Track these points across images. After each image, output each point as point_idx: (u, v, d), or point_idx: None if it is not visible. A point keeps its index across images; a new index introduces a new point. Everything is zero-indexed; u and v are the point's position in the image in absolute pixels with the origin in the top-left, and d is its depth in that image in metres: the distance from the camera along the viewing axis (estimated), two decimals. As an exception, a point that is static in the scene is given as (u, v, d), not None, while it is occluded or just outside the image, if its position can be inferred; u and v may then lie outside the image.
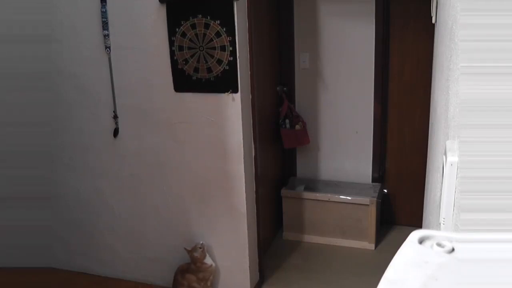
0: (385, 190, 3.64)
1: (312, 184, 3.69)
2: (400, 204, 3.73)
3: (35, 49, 2.82)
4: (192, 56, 2.57)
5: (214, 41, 2.51)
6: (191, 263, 2.77)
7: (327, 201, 3.46)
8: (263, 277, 3.10)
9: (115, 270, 3.15)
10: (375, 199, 3.38)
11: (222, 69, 2.54)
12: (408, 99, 3.53)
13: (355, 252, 3.45)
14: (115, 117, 2.82)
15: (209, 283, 2.80)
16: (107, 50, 2.71)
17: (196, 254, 2.73)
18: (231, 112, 2.61)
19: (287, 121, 3.54)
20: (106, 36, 2.69)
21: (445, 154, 0.81)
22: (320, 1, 3.49)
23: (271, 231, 3.61)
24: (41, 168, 3.00)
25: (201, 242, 2.78)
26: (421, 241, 0.55)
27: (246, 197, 2.74)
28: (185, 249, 2.76)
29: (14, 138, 2.90)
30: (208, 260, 2.78)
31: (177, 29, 2.55)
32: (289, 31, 3.59)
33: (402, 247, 0.55)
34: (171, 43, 2.59)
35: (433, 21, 1.94)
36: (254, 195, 2.87)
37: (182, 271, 2.79)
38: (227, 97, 2.58)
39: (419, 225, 2.01)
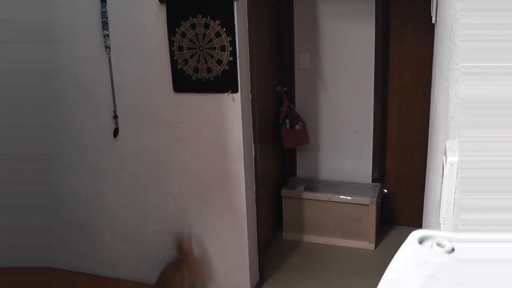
0: (385, 190, 3.64)
1: (312, 184, 3.69)
2: (400, 204, 3.73)
3: (35, 49, 2.81)
4: (191, 56, 2.57)
5: (214, 41, 2.51)
6: (180, 260, 2.74)
7: (327, 201, 3.46)
8: (263, 277, 3.10)
9: (115, 270, 3.15)
10: (375, 199, 3.38)
11: (222, 69, 2.54)
12: (408, 99, 3.53)
13: (355, 252, 3.45)
14: (115, 117, 2.82)
15: (200, 278, 2.78)
16: (107, 50, 2.72)
17: (185, 248, 2.72)
18: (231, 112, 2.61)
19: (287, 121, 3.54)
20: (106, 36, 2.69)
21: (445, 154, 0.81)
22: (320, 1, 3.49)
23: (271, 231, 3.61)
24: (41, 168, 3.00)
25: (186, 235, 2.77)
26: (421, 241, 0.55)
27: (246, 197, 2.74)
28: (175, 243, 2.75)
29: (14, 138, 2.90)
30: (197, 253, 2.77)
31: (177, 29, 2.55)
32: (289, 31, 3.59)
33: (402, 247, 0.55)
34: (170, 43, 2.59)
35: (433, 21, 1.94)
36: (254, 195, 2.87)
37: (174, 267, 2.74)
38: (227, 97, 2.58)
39: (419, 225, 2.02)
